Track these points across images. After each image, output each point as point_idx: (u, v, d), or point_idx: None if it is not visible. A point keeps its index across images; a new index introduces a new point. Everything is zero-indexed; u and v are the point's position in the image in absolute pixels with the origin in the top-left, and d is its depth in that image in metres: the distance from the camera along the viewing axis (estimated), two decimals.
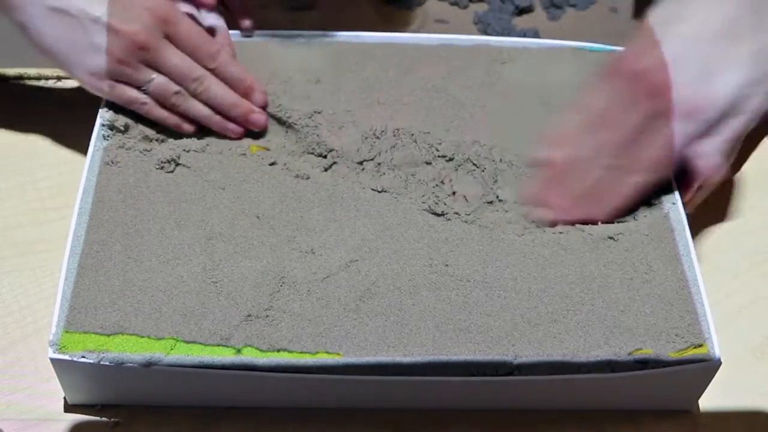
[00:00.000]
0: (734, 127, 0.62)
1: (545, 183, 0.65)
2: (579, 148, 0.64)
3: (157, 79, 0.64)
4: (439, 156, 0.66)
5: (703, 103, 0.61)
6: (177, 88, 0.65)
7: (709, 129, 0.62)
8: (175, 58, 0.64)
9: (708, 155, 0.62)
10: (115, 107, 0.66)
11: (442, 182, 0.65)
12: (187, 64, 0.65)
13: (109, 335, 0.56)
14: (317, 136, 0.67)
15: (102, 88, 0.64)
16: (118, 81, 0.64)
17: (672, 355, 0.57)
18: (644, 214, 0.64)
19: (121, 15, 0.62)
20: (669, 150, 0.62)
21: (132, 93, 0.65)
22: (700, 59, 0.61)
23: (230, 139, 0.67)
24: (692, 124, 0.61)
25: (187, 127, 0.66)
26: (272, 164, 0.65)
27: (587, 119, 0.65)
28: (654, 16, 0.64)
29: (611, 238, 0.62)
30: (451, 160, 0.66)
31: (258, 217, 0.62)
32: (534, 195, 0.65)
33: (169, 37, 0.64)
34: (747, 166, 0.73)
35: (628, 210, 0.64)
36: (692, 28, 0.62)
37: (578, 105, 0.66)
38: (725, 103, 0.61)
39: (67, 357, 0.55)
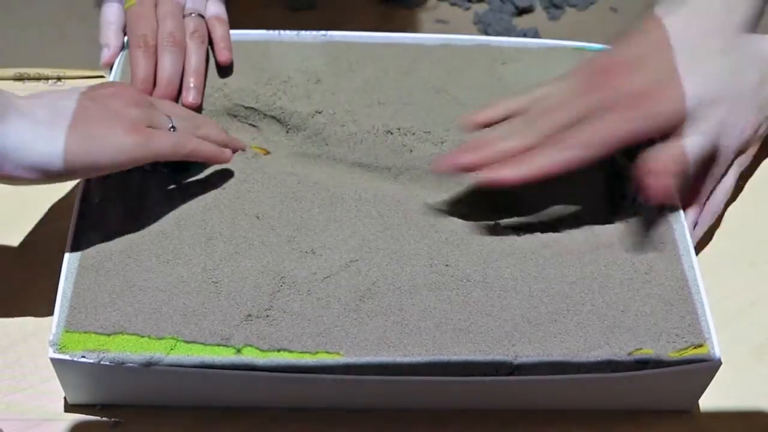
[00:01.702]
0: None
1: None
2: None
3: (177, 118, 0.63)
4: (439, 156, 0.66)
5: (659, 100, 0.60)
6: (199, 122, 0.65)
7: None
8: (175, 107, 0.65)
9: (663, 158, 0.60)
10: None
11: (441, 182, 0.66)
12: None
13: (109, 335, 0.56)
14: (317, 136, 0.67)
15: (141, 138, 0.58)
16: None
17: (672, 355, 0.57)
18: (644, 214, 0.64)
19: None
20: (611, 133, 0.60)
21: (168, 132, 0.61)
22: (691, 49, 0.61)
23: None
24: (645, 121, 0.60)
25: (228, 154, 0.64)
26: (272, 164, 0.65)
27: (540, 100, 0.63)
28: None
29: (611, 237, 0.62)
30: None
31: (258, 217, 0.62)
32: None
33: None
34: (747, 167, 0.73)
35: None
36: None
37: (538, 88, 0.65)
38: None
39: (67, 357, 0.55)
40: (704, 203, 0.66)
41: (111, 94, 0.60)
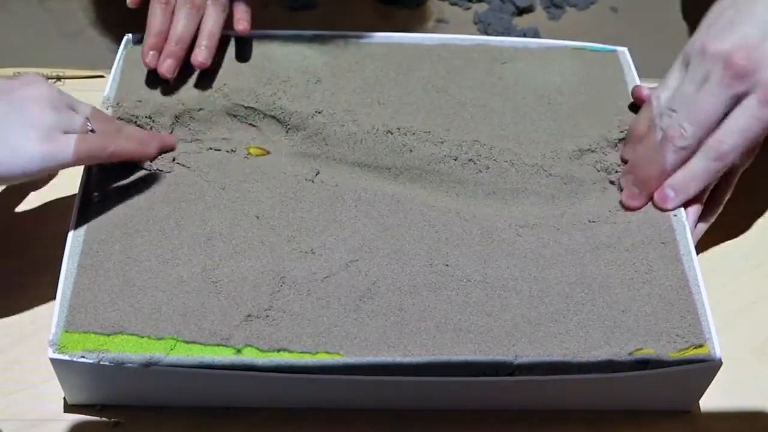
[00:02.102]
0: None
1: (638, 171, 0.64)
2: (664, 137, 0.63)
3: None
4: (439, 156, 0.66)
5: None
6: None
7: None
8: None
9: None
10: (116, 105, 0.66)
11: (442, 182, 0.66)
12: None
13: (108, 335, 0.55)
14: (317, 136, 0.67)
15: (55, 146, 0.56)
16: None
17: (672, 355, 0.57)
18: (644, 214, 0.64)
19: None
20: (759, 131, 0.61)
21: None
22: None
23: (229, 139, 0.67)
24: None
25: (153, 149, 0.63)
26: (272, 164, 0.65)
27: (670, 104, 0.64)
28: None
29: (611, 237, 0.62)
30: (454, 159, 0.66)
31: (258, 217, 0.62)
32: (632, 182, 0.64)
33: None
34: (748, 167, 0.73)
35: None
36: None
37: (659, 89, 0.65)
38: None
39: (66, 357, 0.55)
40: (705, 203, 0.66)
41: (29, 96, 0.57)
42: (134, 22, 0.70)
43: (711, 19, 0.64)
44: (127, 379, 0.56)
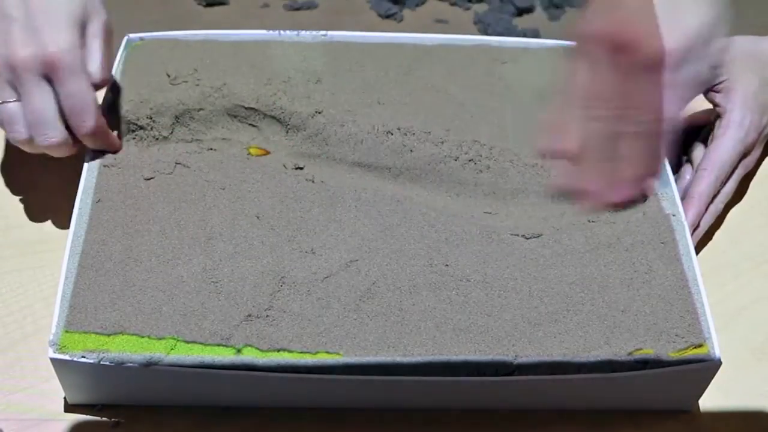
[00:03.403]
0: (696, 70, 0.60)
1: (571, 174, 0.63)
2: (584, 129, 0.62)
3: (10, 107, 0.60)
4: (439, 156, 0.66)
5: (674, 46, 0.59)
6: (26, 134, 0.60)
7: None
8: (38, 102, 0.60)
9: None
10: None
11: (442, 182, 0.66)
12: (44, 118, 0.60)
13: (109, 335, 0.56)
14: (317, 136, 0.67)
15: None
16: None
17: (672, 355, 0.57)
18: (644, 213, 0.64)
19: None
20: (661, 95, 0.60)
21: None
22: (663, 5, 0.59)
23: (229, 139, 0.67)
24: (671, 70, 0.59)
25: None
26: (272, 164, 0.65)
27: (576, 98, 0.62)
28: None
29: (611, 237, 0.62)
30: (454, 159, 0.66)
31: (258, 217, 0.62)
32: (566, 188, 0.63)
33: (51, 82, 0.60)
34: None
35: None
36: None
37: (562, 88, 0.64)
38: (693, 40, 0.59)
39: (67, 357, 0.55)
40: (706, 204, 0.66)
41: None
42: (134, 24, 0.70)
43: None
44: (127, 379, 0.56)
